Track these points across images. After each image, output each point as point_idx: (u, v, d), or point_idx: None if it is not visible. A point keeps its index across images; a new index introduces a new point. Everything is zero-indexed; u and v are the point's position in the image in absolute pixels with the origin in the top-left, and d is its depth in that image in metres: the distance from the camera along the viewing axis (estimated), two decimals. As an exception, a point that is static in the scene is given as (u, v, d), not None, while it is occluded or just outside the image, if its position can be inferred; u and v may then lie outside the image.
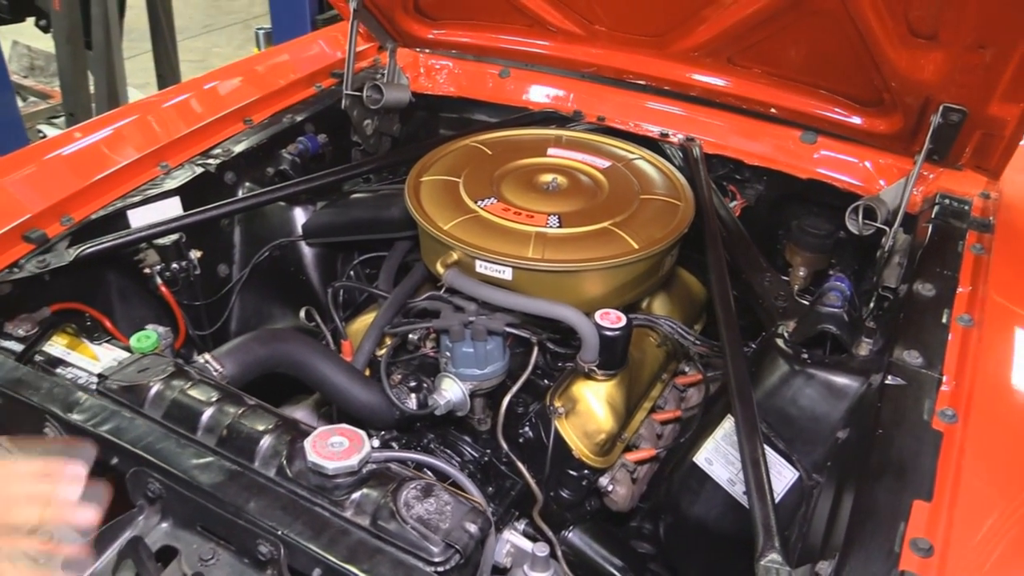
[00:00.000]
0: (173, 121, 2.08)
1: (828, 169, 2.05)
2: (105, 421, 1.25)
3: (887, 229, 1.71)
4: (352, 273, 2.13)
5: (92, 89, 4.27)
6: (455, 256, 1.66)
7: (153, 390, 1.29)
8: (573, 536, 1.80)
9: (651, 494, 1.83)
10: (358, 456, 1.13)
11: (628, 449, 1.81)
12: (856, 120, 1.88)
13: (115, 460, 1.22)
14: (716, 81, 2.03)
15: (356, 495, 1.12)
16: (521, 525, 1.78)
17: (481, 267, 1.65)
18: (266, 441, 1.19)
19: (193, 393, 1.28)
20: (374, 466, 1.16)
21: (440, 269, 1.65)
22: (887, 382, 1.35)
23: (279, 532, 1.07)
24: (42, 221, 1.74)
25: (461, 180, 1.85)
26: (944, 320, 1.48)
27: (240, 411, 1.24)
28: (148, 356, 1.39)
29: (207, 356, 1.42)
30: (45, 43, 4.71)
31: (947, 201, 1.86)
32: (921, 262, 1.68)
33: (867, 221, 1.76)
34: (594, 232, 1.70)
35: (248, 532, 1.10)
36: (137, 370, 1.34)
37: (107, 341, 1.66)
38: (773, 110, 2.03)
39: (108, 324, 1.80)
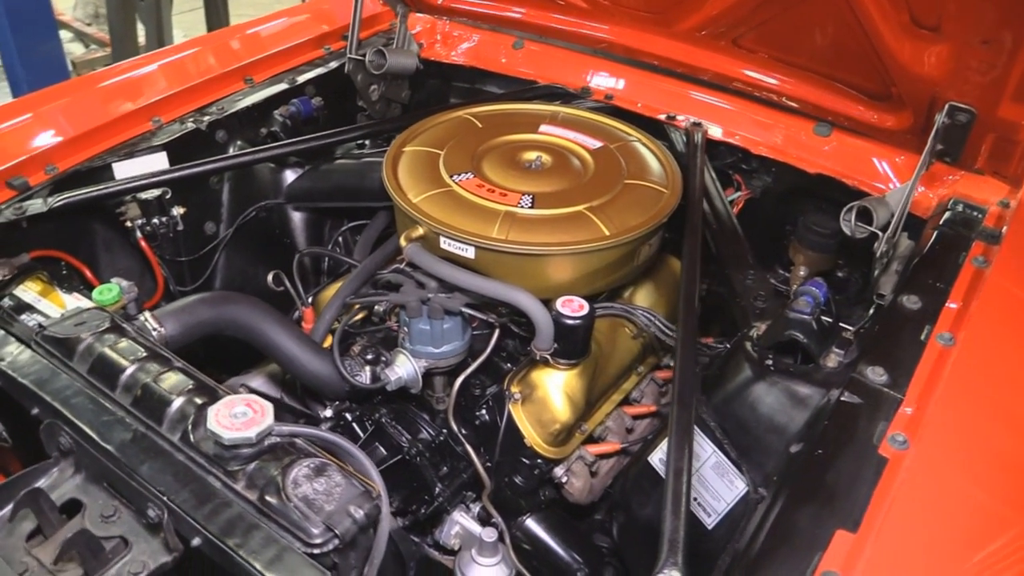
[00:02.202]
0: (174, 76, 2.08)
1: (839, 164, 1.92)
2: (31, 371, 1.26)
3: (879, 234, 1.59)
4: (340, 240, 2.11)
5: (142, 40, 4.36)
6: (420, 231, 1.62)
7: (83, 344, 1.29)
8: (530, 523, 1.76)
9: (613, 489, 1.77)
10: (257, 428, 1.10)
11: (592, 441, 1.76)
12: (866, 113, 1.76)
13: (36, 410, 1.24)
14: (724, 64, 1.91)
15: (250, 467, 1.10)
16: (476, 508, 1.75)
17: (445, 244, 1.61)
18: (176, 404, 1.18)
19: (119, 350, 1.28)
20: (276, 439, 1.14)
21: (403, 242, 1.62)
22: (843, 398, 1.27)
23: (165, 498, 1.06)
24: (27, 169, 1.76)
25: (443, 152, 1.80)
26: (923, 337, 1.38)
27: (160, 372, 1.24)
28: (90, 310, 1.40)
29: (147, 314, 1.42)
30: (110, -8, 4.83)
31: (960, 207, 1.72)
32: (915, 271, 1.57)
33: (861, 224, 1.65)
34: (566, 215, 1.63)
35: (140, 495, 1.10)
36: (75, 323, 1.35)
37: (78, 291, 1.68)
38: (784, 98, 1.91)
39: (88, 273, 1.83)
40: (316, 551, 1.02)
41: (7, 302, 1.62)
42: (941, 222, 1.69)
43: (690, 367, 1.36)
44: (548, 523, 1.76)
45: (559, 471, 1.67)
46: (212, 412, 1.13)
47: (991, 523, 1.10)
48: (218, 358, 1.89)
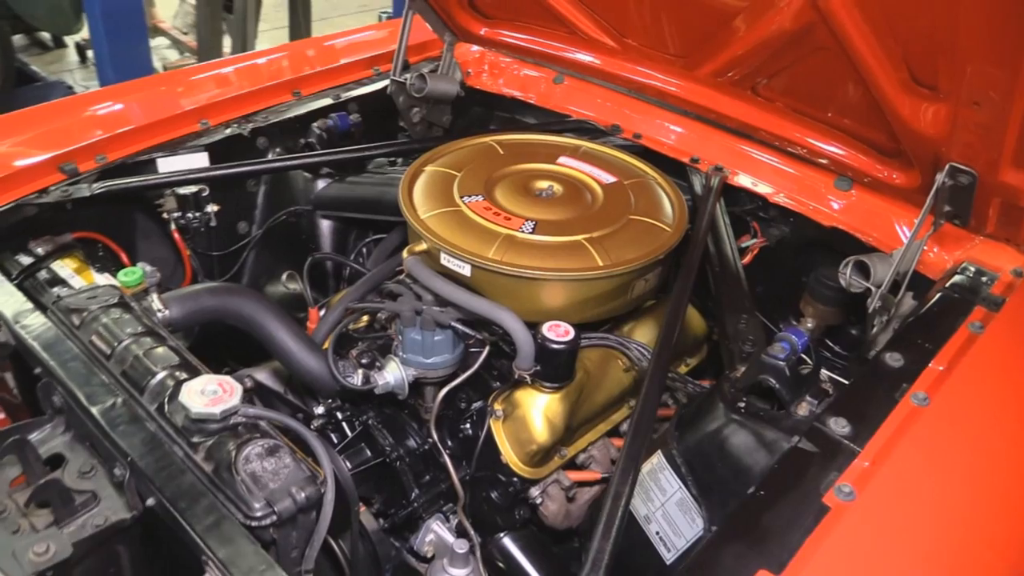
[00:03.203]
0: (228, 83, 2.23)
1: (856, 220, 1.92)
2: (40, 335, 1.38)
3: (873, 289, 1.59)
4: (364, 250, 2.21)
5: (228, 51, 4.62)
6: (424, 245, 1.70)
7: (89, 315, 1.40)
8: (506, 541, 1.78)
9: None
10: (223, 406, 1.18)
11: (575, 468, 1.79)
12: (880, 170, 1.76)
13: (38, 370, 1.35)
14: (748, 112, 1.94)
15: (211, 441, 1.18)
16: (455, 520, 1.79)
17: (445, 260, 1.68)
18: (158, 377, 1.28)
19: (119, 324, 1.38)
20: (242, 419, 1.21)
21: (405, 255, 1.69)
22: (799, 445, 1.27)
23: (129, 458, 1.15)
24: (78, 157, 1.92)
25: (460, 175, 1.88)
26: (897, 395, 1.37)
27: (151, 347, 1.34)
28: (105, 287, 1.51)
29: (154, 296, 1.53)
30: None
31: (971, 272, 1.70)
32: (905, 330, 1.56)
33: (857, 278, 1.64)
34: (564, 243, 1.69)
35: (111, 454, 1.19)
36: (88, 296, 1.47)
37: (110, 272, 1.82)
38: (805, 150, 1.93)
39: (124, 257, 1.97)
40: (254, 523, 1.08)
41: (44, 274, 1.77)
42: (947, 284, 1.67)
43: (653, 399, 1.39)
44: (524, 543, 1.79)
45: (535, 492, 1.70)
46: (185, 387, 1.21)
47: (919, 581, 1.09)
48: (237, 351, 1.99)
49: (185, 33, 5.38)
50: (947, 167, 1.48)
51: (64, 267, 1.83)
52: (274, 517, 1.09)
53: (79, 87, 5.03)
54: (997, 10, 1.18)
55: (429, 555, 1.74)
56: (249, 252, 2.15)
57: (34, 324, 1.41)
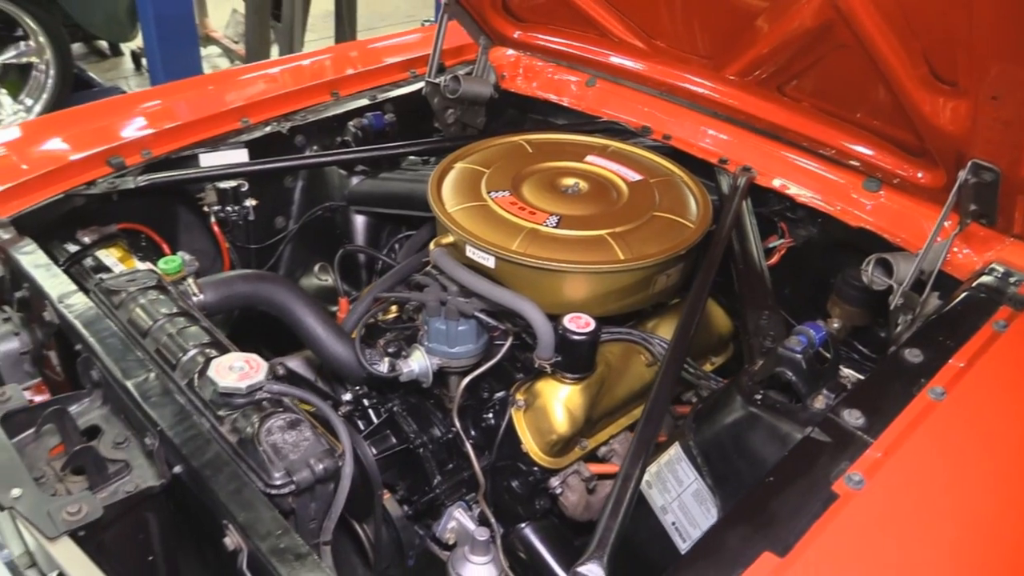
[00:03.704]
0: (268, 85, 2.31)
1: (884, 220, 1.91)
2: (81, 313, 1.45)
3: (895, 287, 1.59)
4: (396, 246, 2.26)
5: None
6: (450, 238, 1.74)
7: (128, 296, 1.48)
8: (527, 532, 1.81)
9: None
10: (248, 381, 1.24)
11: (596, 461, 1.81)
12: (906, 169, 1.75)
13: (78, 346, 1.42)
14: (776, 113, 1.95)
15: (236, 414, 1.24)
16: (477, 510, 1.82)
17: (470, 252, 1.72)
18: (189, 354, 1.34)
19: (156, 305, 1.45)
20: (266, 395, 1.27)
21: (432, 247, 1.74)
22: (812, 435, 1.28)
23: (159, 428, 1.21)
24: (126, 151, 2.01)
25: (488, 171, 1.93)
26: (915, 389, 1.37)
27: (184, 327, 1.40)
28: (143, 271, 1.59)
29: (190, 280, 1.60)
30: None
31: (999, 271, 1.69)
32: (927, 327, 1.55)
33: (879, 276, 1.64)
34: (587, 238, 1.72)
35: (143, 425, 1.25)
36: (127, 279, 1.54)
37: (151, 261, 1.90)
38: (833, 151, 1.93)
39: (165, 248, 2.05)
40: (273, 492, 1.13)
41: (89, 261, 1.86)
42: (973, 284, 1.66)
43: (667, 388, 1.41)
44: (545, 534, 1.81)
45: (555, 482, 1.73)
46: (214, 363, 1.27)
47: (924, 570, 1.09)
48: (271, 341, 2.06)
49: (236, 42, 5.54)
50: (969, 164, 1.48)
51: (109, 255, 1.92)
52: (293, 486, 1.14)
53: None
54: (1015, 4, 1.19)
55: (451, 542, 1.77)
56: (285, 246, 2.22)
57: (77, 304, 1.49)
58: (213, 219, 2.04)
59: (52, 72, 4.60)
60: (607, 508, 1.18)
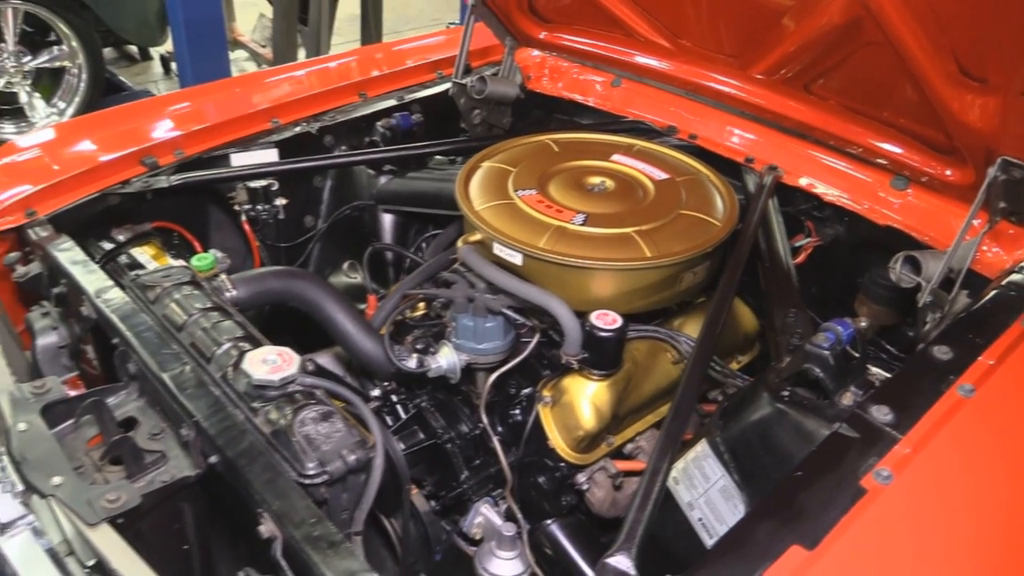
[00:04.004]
0: (298, 86, 2.35)
1: (912, 219, 1.91)
2: (118, 308, 1.49)
3: (923, 283, 1.59)
4: (423, 244, 2.28)
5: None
6: (478, 236, 1.76)
7: (163, 291, 1.51)
8: (553, 528, 1.83)
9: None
10: (281, 374, 1.26)
11: (623, 458, 1.82)
12: (934, 167, 1.75)
13: (115, 339, 1.45)
14: (799, 110, 1.96)
15: (269, 406, 1.26)
16: (504, 506, 1.84)
17: (498, 249, 1.74)
18: (223, 348, 1.37)
19: (190, 300, 1.48)
20: (299, 387, 1.29)
21: (460, 244, 1.76)
22: (839, 430, 1.28)
23: (195, 419, 1.24)
24: (159, 151, 2.04)
25: (515, 170, 1.94)
26: (943, 386, 1.36)
27: (218, 321, 1.43)
28: (178, 267, 1.62)
29: (224, 276, 1.63)
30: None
31: (1030, 269, 1.68)
32: (956, 325, 1.54)
33: (907, 273, 1.64)
34: (614, 235, 1.73)
35: (179, 416, 1.28)
36: (163, 275, 1.58)
37: (184, 259, 1.93)
38: (860, 149, 1.93)
39: (197, 245, 2.08)
40: (306, 481, 1.16)
41: (124, 259, 1.89)
42: (1003, 283, 1.65)
43: (695, 384, 1.41)
44: (571, 531, 1.82)
45: (581, 478, 1.74)
46: (248, 356, 1.30)
47: (954, 565, 1.09)
48: (301, 339, 2.09)
49: (263, 46, 5.61)
50: (999, 161, 1.48)
51: (143, 253, 1.95)
52: (326, 476, 1.16)
53: (163, 97, 5.30)
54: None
55: (478, 537, 1.79)
56: (314, 244, 2.26)
57: (113, 299, 1.52)
58: (244, 218, 2.08)
59: (84, 76, 4.68)
60: (635, 502, 1.19)
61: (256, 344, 1.39)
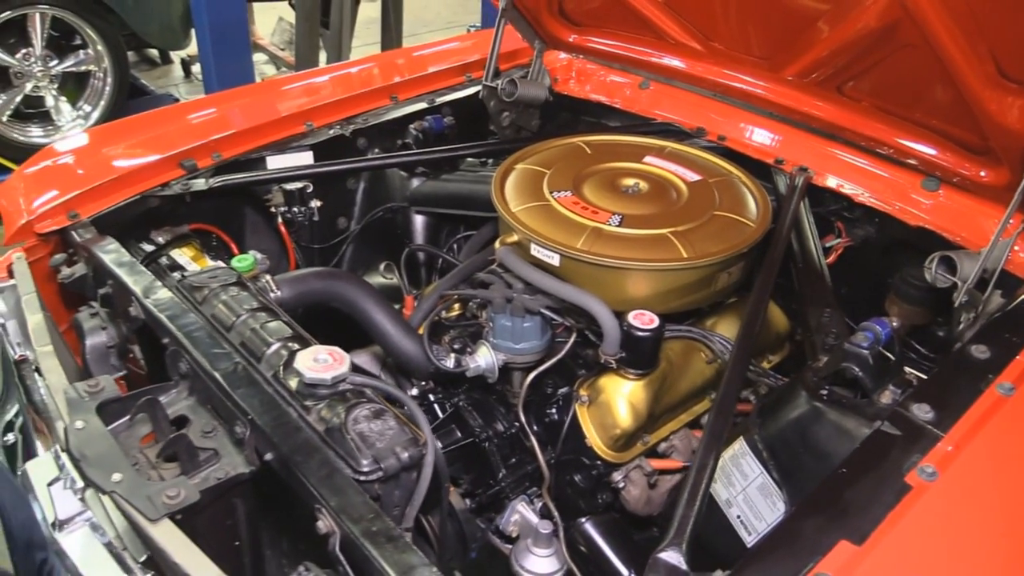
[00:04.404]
0: (330, 89, 2.38)
1: (944, 220, 1.91)
2: (167, 309, 1.52)
3: (959, 283, 1.60)
4: (455, 245, 2.31)
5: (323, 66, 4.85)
6: (515, 237, 1.78)
7: (211, 292, 1.54)
8: (588, 526, 1.84)
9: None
10: (333, 373, 1.29)
11: (657, 456, 1.83)
12: (968, 168, 1.76)
13: (165, 339, 1.48)
14: (831, 111, 1.97)
15: (322, 404, 1.29)
16: (539, 504, 1.86)
17: (535, 250, 1.76)
18: (273, 348, 1.40)
19: (238, 300, 1.51)
20: (349, 386, 1.32)
21: (497, 245, 1.78)
22: (882, 428, 1.30)
23: (250, 416, 1.26)
24: (197, 154, 2.08)
25: (550, 172, 1.97)
26: (983, 385, 1.38)
27: (267, 321, 1.46)
28: (223, 268, 1.65)
29: (268, 277, 1.66)
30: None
31: (1063, 271, 1.69)
32: (992, 324, 1.56)
33: (943, 273, 1.65)
34: (650, 236, 1.75)
35: (232, 414, 1.31)
36: (209, 276, 1.61)
37: (223, 260, 1.97)
38: (891, 150, 1.94)
39: (234, 247, 2.12)
40: (362, 478, 1.18)
41: (164, 260, 1.93)
42: (1037, 282, 1.66)
43: (736, 381, 1.43)
44: (605, 529, 1.84)
45: (617, 476, 1.76)
46: (300, 355, 1.32)
47: (1002, 560, 1.10)
48: (336, 338, 2.12)
49: (282, 49, 5.66)
50: (1037, 161, 1.49)
51: (182, 255, 1.99)
52: (380, 473, 1.18)
53: (184, 100, 5.36)
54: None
55: (514, 535, 1.81)
56: (348, 246, 2.29)
57: (162, 300, 1.55)
58: (280, 219, 2.11)
59: (110, 80, 4.74)
60: (683, 499, 1.21)
61: (305, 344, 1.42)
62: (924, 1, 1.43)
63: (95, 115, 4.76)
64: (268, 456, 1.24)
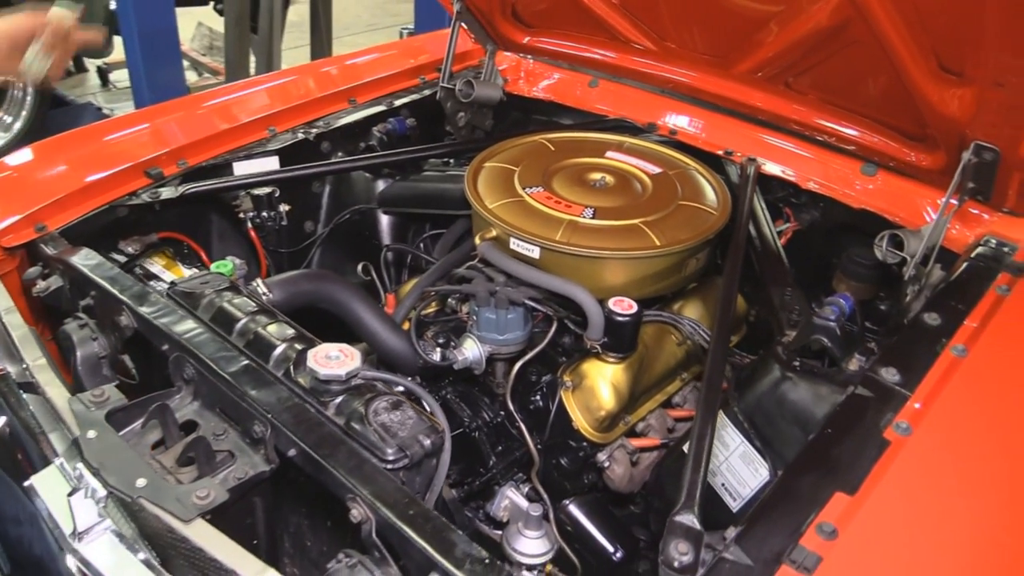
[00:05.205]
0: (288, 94, 2.39)
1: (883, 202, 2.07)
2: (164, 316, 1.52)
3: (908, 259, 1.75)
4: (421, 244, 2.36)
5: (253, 70, 4.79)
6: (494, 232, 1.85)
7: (206, 298, 1.55)
8: (572, 508, 1.92)
9: (650, 478, 1.93)
10: (347, 368, 1.33)
11: (635, 435, 1.93)
12: (906, 154, 1.92)
13: (166, 346, 1.49)
14: (778, 104, 2.11)
15: (338, 400, 1.32)
16: (526, 488, 1.93)
17: (514, 244, 1.83)
18: (280, 348, 1.42)
19: (235, 304, 1.53)
20: (361, 381, 1.36)
21: (478, 241, 1.85)
22: (856, 391, 1.42)
23: (269, 416, 1.29)
24: (162, 162, 2.06)
25: (518, 169, 2.04)
26: (938, 348, 1.52)
27: (268, 323, 1.48)
28: (213, 274, 1.66)
29: (259, 281, 1.68)
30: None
31: (992, 243, 1.86)
32: (940, 294, 1.71)
33: (892, 250, 1.80)
34: (623, 227, 1.84)
35: (248, 414, 1.33)
36: (200, 282, 1.61)
37: (197, 267, 1.96)
38: (833, 139, 2.09)
39: (203, 255, 2.11)
40: (389, 467, 1.23)
41: (138, 271, 1.91)
42: (972, 255, 1.83)
43: (721, 353, 1.53)
44: (588, 508, 1.92)
45: (602, 456, 1.84)
46: (311, 353, 1.36)
47: (980, 498, 1.24)
48: (322, 336, 2.13)
49: (203, 55, 5.55)
50: (972, 145, 1.64)
51: (155, 264, 1.98)
52: (406, 460, 1.23)
53: (104, 108, 5.19)
54: (1020, 2, 1.35)
55: (504, 519, 1.88)
56: (316, 249, 2.30)
57: (156, 307, 1.55)
58: (250, 224, 2.11)
59: (30, 90, 4.56)
60: (688, 465, 1.30)
61: (308, 343, 1.44)
62: (874, 0, 1.56)
63: (17, 126, 4.57)
64: (291, 453, 1.27)
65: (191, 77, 5.81)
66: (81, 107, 4.93)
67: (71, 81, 5.94)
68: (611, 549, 1.89)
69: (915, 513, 1.19)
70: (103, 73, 5.76)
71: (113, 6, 4.27)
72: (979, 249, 1.84)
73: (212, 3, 5.03)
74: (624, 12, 2.19)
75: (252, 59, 4.87)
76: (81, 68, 6.01)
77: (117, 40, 4.62)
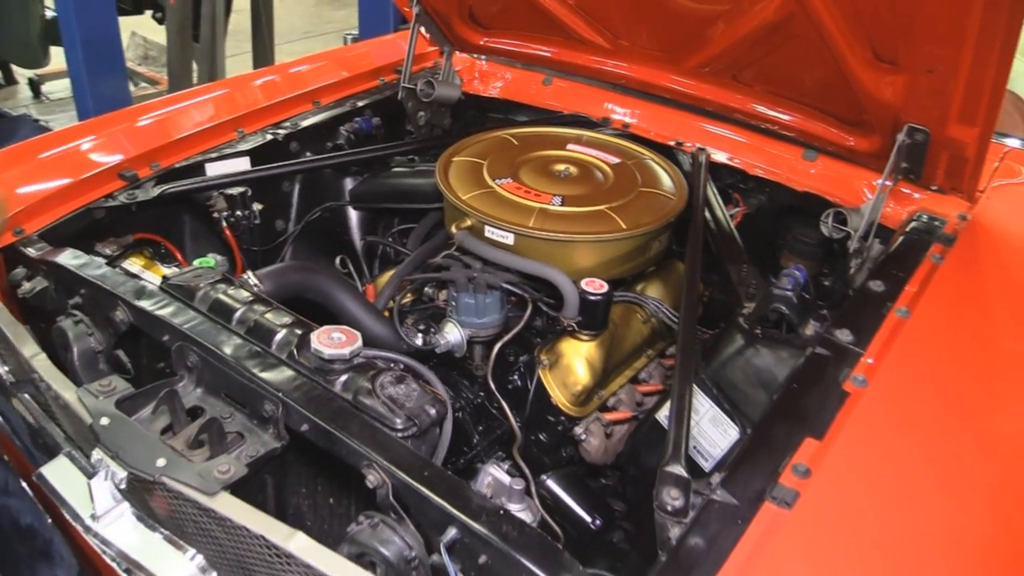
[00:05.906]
0: (254, 96, 2.44)
1: (824, 184, 2.24)
2: (163, 308, 1.57)
3: (852, 233, 1.91)
4: (391, 238, 2.43)
5: (195, 78, 4.77)
6: (469, 221, 1.94)
7: (202, 290, 1.60)
8: (550, 481, 2.02)
9: (624, 448, 2.05)
10: (350, 348, 1.41)
11: (606, 409, 2.05)
12: (844, 139, 2.08)
13: (166, 337, 1.54)
14: (725, 96, 2.26)
15: (344, 377, 1.40)
16: (506, 465, 2.02)
17: (489, 232, 1.92)
18: (282, 333, 1.49)
19: (232, 294, 1.59)
20: (363, 359, 1.44)
21: (454, 230, 1.94)
22: (815, 351, 1.56)
23: (280, 395, 1.36)
24: (136, 164, 2.10)
25: (486, 163, 2.14)
26: (884, 311, 1.68)
27: (266, 311, 1.55)
28: (203, 268, 1.71)
29: (249, 273, 1.73)
30: (159, 35, 5.30)
31: (924, 218, 2.04)
32: (881, 264, 1.87)
33: (837, 225, 1.96)
34: (590, 213, 1.96)
35: (257, 395, 1.40)
36: (193, 275, 1.66)
37: (175, 267, 2.00)
38: (777, 127, 2.25)
39: (179, 255, 2.15)
40: (399, 435, 1.31)
41: (119, 271, 1.94)
42: (908, 230, 2.00)
43: (691, 328, 1.66)
44: (565, 482, 2.03)
45: (579, 429, 1.95)
46: (314, 335, 1.43)
47: (930, 436, 1.39)
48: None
49: (139, 64, 5.48)
50: (905, 127, 1.81)
51: (133, 265, 2.00)
52: (415, 429, 1.32)
53: (41, 121, 5.08)
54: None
55: (489, 496, 1.96)
56: (288, 247, 2.35)
57: (153, 300, 1.60)
58: (224, 224, 2.15)
59: (-37, 102, 4.46)
60: (671, 424, 1.41)
61: (307, 328, 1.51)
62: (816, -3, 1.72)
63: (-52, 140, 4.45)
64: (303, 428, 1.34)
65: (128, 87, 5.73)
66: (17, 119, 4.81)
67: (1, 94, 5.80)
68: (589, 519, 2.00)
69: (876, 452, 1.33)
70: (35, 85, 5.63)
71: (50, 15, 4.20)
72: (912, 224, 2.01)
73: (150, 12, 4.99)
74: (580, 12, 2.32)
75: (194, 67, 4.85)
76: (11, 80, 5.86)
77: (55, 51, 4.54)
